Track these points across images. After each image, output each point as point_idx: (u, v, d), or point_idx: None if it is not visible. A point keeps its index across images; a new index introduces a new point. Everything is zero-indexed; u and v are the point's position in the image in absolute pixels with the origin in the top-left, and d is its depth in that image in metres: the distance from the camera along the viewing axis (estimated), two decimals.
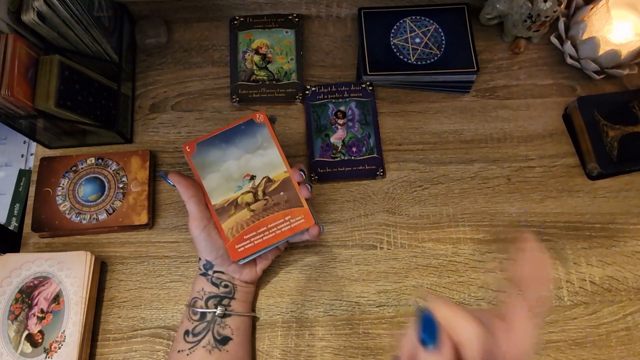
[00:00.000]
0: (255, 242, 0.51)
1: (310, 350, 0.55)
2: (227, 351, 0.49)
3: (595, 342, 0.55)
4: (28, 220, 0.60)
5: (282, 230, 0.51)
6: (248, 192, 0.51)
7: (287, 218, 0.51)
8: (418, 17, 0.68)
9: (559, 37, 0.68)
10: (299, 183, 0.51)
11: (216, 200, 0.51)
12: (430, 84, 0.66)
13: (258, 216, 0.51)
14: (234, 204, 0.51)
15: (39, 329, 0.53)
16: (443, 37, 0.66)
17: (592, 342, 0.55)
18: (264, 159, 0.52)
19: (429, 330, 0.30)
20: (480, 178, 0.63)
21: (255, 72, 0.67)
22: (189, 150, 0.51)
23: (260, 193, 0.51)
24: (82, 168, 0.61)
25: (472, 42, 0.65)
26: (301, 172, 0.51)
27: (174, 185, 0.49)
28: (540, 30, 0.68)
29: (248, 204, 0.51)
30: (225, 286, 0.51)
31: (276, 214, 0.51)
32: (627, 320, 0.56)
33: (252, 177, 0.51)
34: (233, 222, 0.51)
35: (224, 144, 0.52)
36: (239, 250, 0.50)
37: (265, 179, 0.51)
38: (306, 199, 0.51)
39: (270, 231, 0.51)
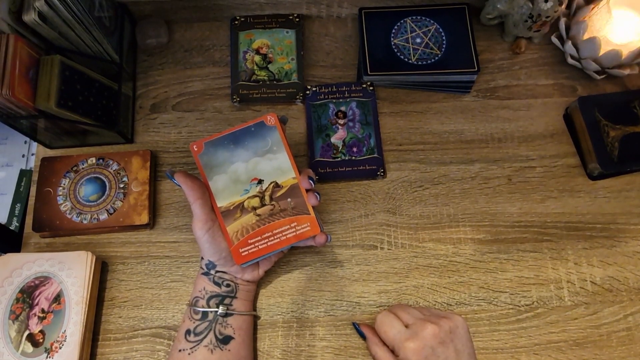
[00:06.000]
0: (260, 247, 0.50)
1: (311, 350, 0.55)
2: (229, 350, 0.49)
3: (596, 342, 0.55)
4: (29, 220, 0.60)
5: (287, 236, 0.50)
6: (255, 196, 0.51)
7: (292, 225, 0.51)
8: (419, 17, 0.68)
9: (559, 37, 0.68)
10: (307, 190, 0.51)
11: (222, 202, 0.50)
12: (430, 84, 0.66)
13: (264, 221, 0.51)
14: (240, 208, 0.51)
15: (39, 329, 0.53)
16: (444, 37, 0.66)
17: (593, 342, 0.55)
18: (273, 163, 0.51)
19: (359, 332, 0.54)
20: (480, 178, 0.63)
21: (256, 72, 0.67)
22: (196, 149, 0.50)
23: (267, 198, 0.51)
24: (82, 168, 0.61)
25: (472, 42, 0.65)
26: (310, 180, 0.50)
27: (180, 186, 0.49)
28: (541, 30, 0.68)
29: (254, 208, 0.51)
30: (227, 285, 0.51)
31: (282, 220, 0.51)
32: (627, 320, 0.56)
33: (260, 181, 0.51)
34: (238, 225, 0.50)
35: (233, 145, 0.51)
36: (243, 254, 0.50)
37: (273, 184, 0.51)
38: (313, 207, 0.51)
39: (275, 237, 0.50)
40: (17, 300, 0.54)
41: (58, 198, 0.60)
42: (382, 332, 0.50)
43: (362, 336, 0.54)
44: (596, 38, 0.63)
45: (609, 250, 0.60)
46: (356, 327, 0.54)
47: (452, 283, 0.58)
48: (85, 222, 0.59)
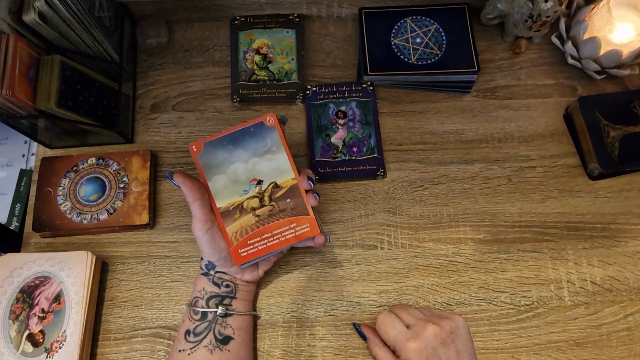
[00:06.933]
0: (259, 247, 0.50)
1: (311, 350, 0.55)
2: (229, 350, 0.49)
3: (596, 342, 0.55)
4: (29, 220, 0.60)
5: (287, 237, 0.50)
6: (254, 196, 0.51)
7: (292, 225, 0.50)
8: (419, 17, 0.68)
9: (560, 37, 0.68)
10: (306, 191, 0.51)
11: (221, 203, 0.50)
12: (431, 84, 0.66)
13: (263, 222, 0.51)
14: (239, 208, 0.51)
15: (39, 329, 0.53)
16: (444, 37, 0.66)
17: (593, 342, 0.55)
18: (272, 163, 0.51)
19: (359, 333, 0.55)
20: (481, 178, 0.63)
21: (256, 72, 0.67)
22: (195, 149, 0.50)
23: (266, 198, 0.51)
24: (83, 168, 0.61)
25: (472, 42, 0.65)
26: (310, 181, 0.50)
27: (179, 186, 0.49)
28: (541, 30, 0.68)
29: (253, 209, 0.51)
30: (227, 286, 0.51)
31: (281, 221, 0.50)
32: (628, 320, 0.56)
33: (259, 182, 0.51)
34: (238, 226, 0.50)
35: (232, 146, 0.51)
36: (242, 254, 0.50)
37: (272, 185, 0.51)
38: (313, 207, 0.51)
39: (275, 237, 0.50)
40: (17, 300, 0.54)
41: (58, 198, 0.60)
42: (383, 332, 0.50)
43: (363, 337, 0.54)
44: (596, 38, 0.63)
45: (609, 250, 0.60)
46: (357, 327, 0.54)
47: (452, 283, 0.58)
48: (85, 222, 0.59)
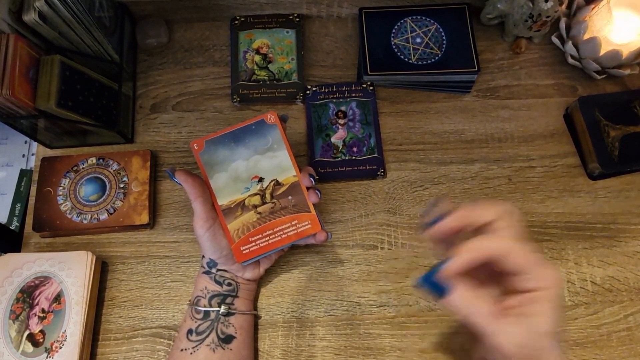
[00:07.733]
0: (261, 244, 0.50)
1: (311, 350, 0.55)
2: (231, 350, 0.50)
3: (596, 342, 0.55)
4: (29, 220, 0.60)
5: (288, 234, 0.51)
6: (255, 194, 0.51)
7: (293, 222, 0.51)
8: (419, 17, 0.68)
9: (560, 37, 0.68)
10: (307, 188, 0.51)
11: (223, 200, 0.51)
12: (431, 84, 0.66)
13: (265, 219, 0.51)
14: (241, 206, 0.51)
15: (40, 329, 0.53)
16: (444, 37, 0.66)
17: (593, 342, 0.55)
18: (274, 161, 0.51)
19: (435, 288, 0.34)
20: (481, 178, 0.63)
21: (256, 72, 0.67)
22: (197, 147, 0.51)
23: (267, 196, 0.51)
24: (83, 168, 0.61)
25: (473, 42, 0.65)
26: (311, 178, 0.50)
27: (180, 184, 0.49)
28: (541, 30, 0.68)
29: (255, 206, 0.51)
30: (229, 284, 0.51)
31: (283, 218, 0.51)
32: (628, 320, 0.56)
33: (261, 179, 0.51)
34: (239, 223, 0.50)
35: (233, 144, 0.51)
36: (244, 252, 0.50)
37: (273, 182, 0.51)
38: (314, 205, 0.51)
39: (277, 235, 0.51)
40: (17, 300, 0.54)
41: (58, 198, 0.60)
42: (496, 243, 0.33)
43: (438, 289, 0.34)
44: (596, 38, 0.63)
45: (609, 250, 0.60)
46: (429, 280, 0.34)
47: None
48: (85, 222, 0.59)
